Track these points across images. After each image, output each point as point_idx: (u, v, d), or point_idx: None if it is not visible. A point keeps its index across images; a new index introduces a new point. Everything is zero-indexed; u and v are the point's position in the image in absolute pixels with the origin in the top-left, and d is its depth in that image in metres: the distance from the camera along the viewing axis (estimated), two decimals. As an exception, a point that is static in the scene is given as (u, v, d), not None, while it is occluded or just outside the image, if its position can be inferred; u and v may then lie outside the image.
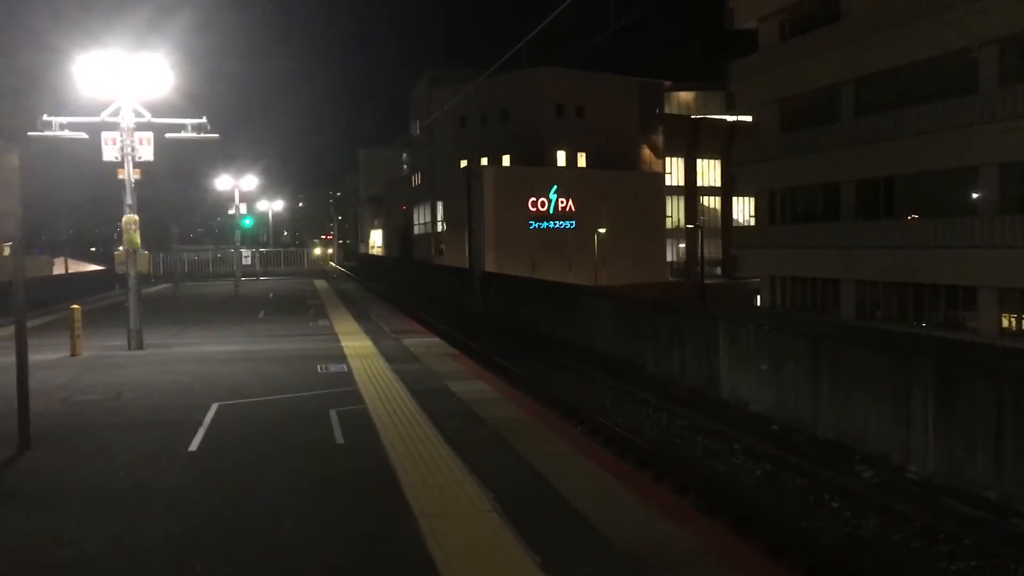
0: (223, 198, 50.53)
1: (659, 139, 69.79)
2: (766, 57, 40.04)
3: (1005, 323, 28.47)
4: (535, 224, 60.99)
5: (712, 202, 71.99)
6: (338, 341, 23.13)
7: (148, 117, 21.29)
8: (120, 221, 21.75)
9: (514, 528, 8.22)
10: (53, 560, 7.64)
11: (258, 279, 58.31)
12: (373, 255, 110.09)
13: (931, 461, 14.82)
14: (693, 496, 13.93)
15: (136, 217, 21.34)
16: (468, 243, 53.64)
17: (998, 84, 28.22)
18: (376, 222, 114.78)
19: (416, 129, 68.73)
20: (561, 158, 66.48)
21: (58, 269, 51.48)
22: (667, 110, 72.00)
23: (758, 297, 43.53)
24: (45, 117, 20.64)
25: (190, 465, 10.67)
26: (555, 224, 61.67)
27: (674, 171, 70.62)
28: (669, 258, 68.92)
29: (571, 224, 61.88)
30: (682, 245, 70.56)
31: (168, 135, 22.19)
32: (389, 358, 19.80)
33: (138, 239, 21.51)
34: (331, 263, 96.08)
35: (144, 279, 29.98)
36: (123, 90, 20.66)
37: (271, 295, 42.95)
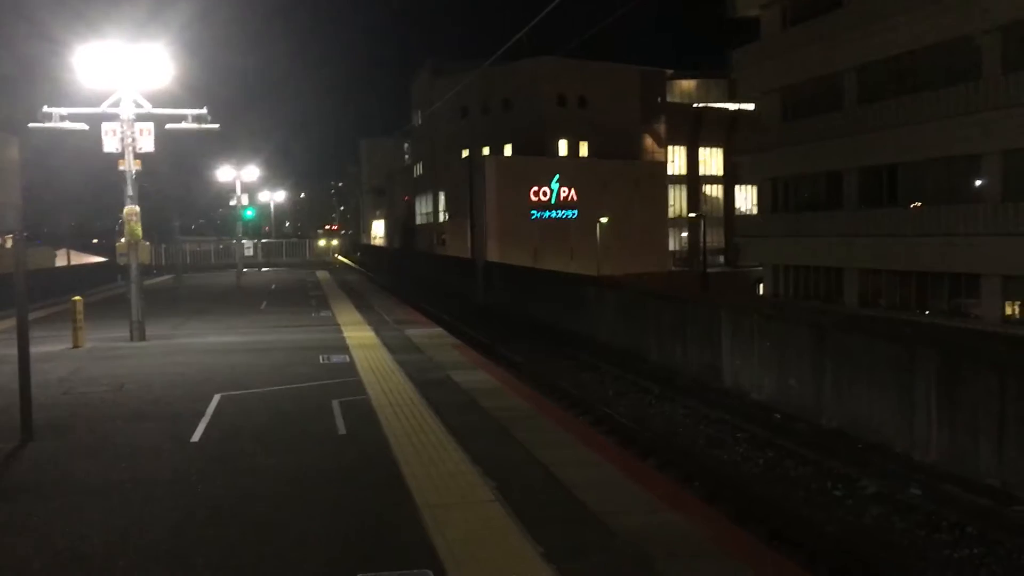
0: (225, 189, 50.57)
1: (661, 128, 69.60)
2: (768, 45, 39.88)
3: (1008, 311, 28.43)
4: (537, 214, 60.87)
5: (714, 191, 71.85)
6: (340, 331, 23.13)
7: (149, 108, 21.24)
8: (121, 212, 21.73)
9: (517, 518, 8.21)
10: (56, 551, 7.64)
11: (260, 270, 58.35)
12: (375, 245, 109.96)
13: (934, 449, 14.80)
14: (696, 485, 13.94)
15: (137, 208, 21.32)
16: (470, 233, 53.62)
17: (1001, 71, 28.10)
18: (378, 212, 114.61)
19: (418, 119, 68.66)
20: (563, 148, 66.33)
21: (60, 261, 51.47)
22: (669, 99, 71.78)
23: (761, 286, 43.52)
24: (45, 108, 20.62)
25: (192, 456, 10.66)
26: (557, 214, 61.55)
27: (676, 160, 70.46)
28: (671, 247, 68.80)
29: (573, 214, 61.76)
30: (684, 234, 70.46)
31: (169, 126, 22.12)
32: (391, 348, 19.80)
33: (139, 230, 21.49)
34: (337, 256, 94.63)
35: (146, 270, 30.01)
36: (123, 81, 20.61)
37: (273, 286, 42.95)
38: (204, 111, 21.91)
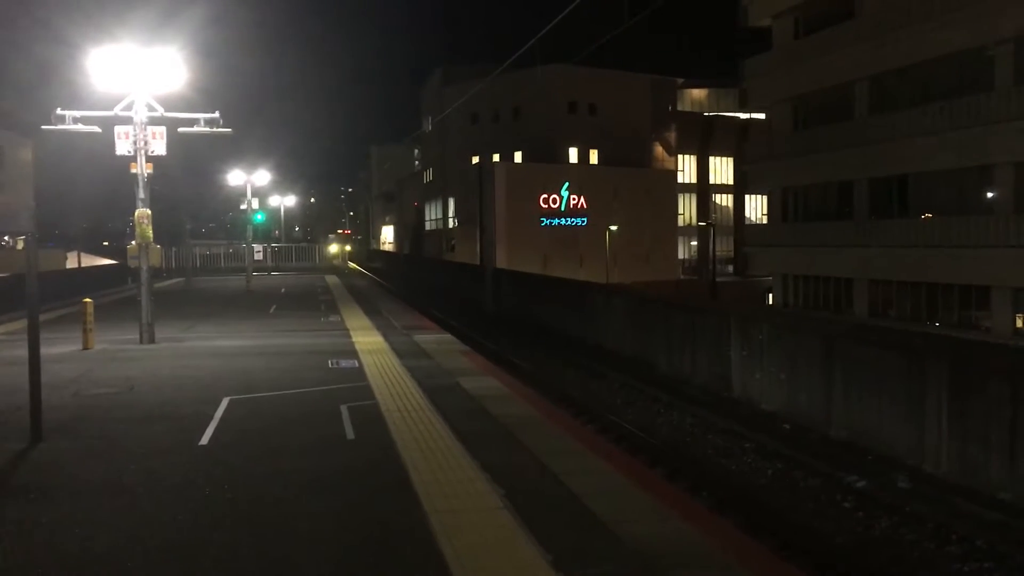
0: (235, 193, 50.78)
1: (672, 136, 69.56)
2: (780, 54, 39.85)
3: (1019, 323, 28.26)
4: (547, 221, 60.86)
5: (724, 200, 71.73)
6: (349, 336, 23.15)
7: (161, 111, 21.35)
8: (133, 215, 21.80)
9: (525, 525, 8.19)
10: (64, 552, 7.65)
11: (269, 274, 58.45)
12: (384, 251, 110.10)
13: (945, 461, 14.71)
14: (705, 494, 13.89)
15: (148, 211, 21.39)
16: (480, 240, 53.62)
17: (1013, 82, 27.99)
18: (387, 218, 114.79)
19: (428, 126, 68.73)
20: (573, 155, 66.32)
21: (71, 263, 51.74)
22: (680, 107, 71.75)
23: (770, 295, 43.37)
24: (59, 111, 20.74)
25: (201, 459, 10.67)
26: (567, 221, 61.53)
27: (686, 168, 70.39)
28: (681, 256, 68.70)
29: (583, 221, 61.73)
30: (694, 243, 70.35)
31: (181, 129, 22.23)
32: (400, 354, 19.80)
33: (150, 233, 21.56)
34: (349, 263, 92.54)
35: (156, 273, 30.10)
36: (136, 84, 20.72)
37: (283, 290, 43.04)
38: (216, 115, 22.01)
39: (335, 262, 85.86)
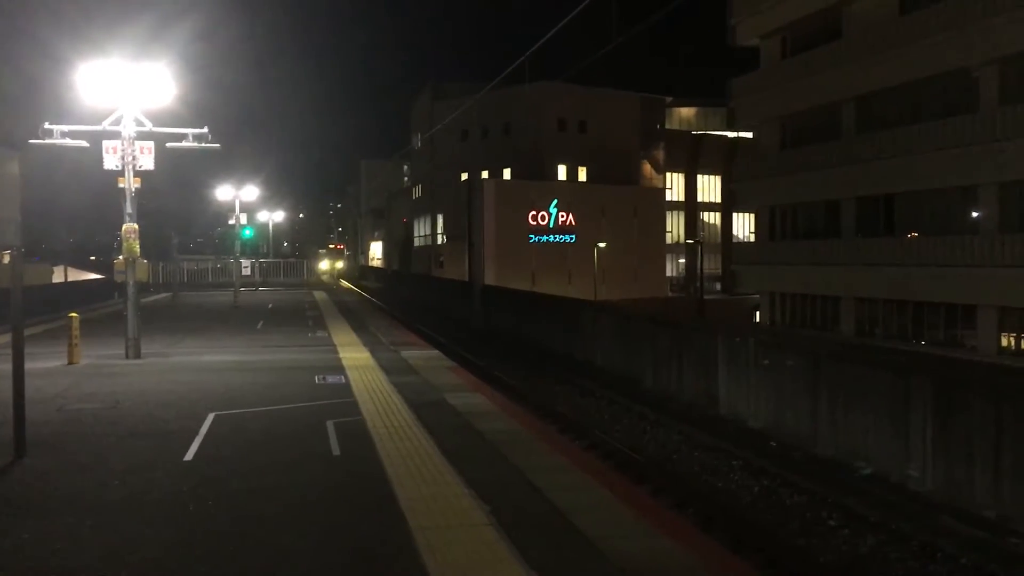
0: (224, 208, 50.57)
1: (660, 154, 69.94)
2: (767, 74, 40.18)
3: (1004, 342, 28.44)
4: (535, 238, 61.03)
5: (712, 218, 72.09)
6: (336, 352, 23.09)
7: (149, 126, 21.33)
8: (120, 230, 21.74)
9: (511, 542, 8.18)
10: (46, 570, 7.59)
11: (257, 290, 58.27)
12: (373, 267, 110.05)
13: (930, 479, 14.76)
14: (691, 512, 13.88)
15: (136, 226, 21.34)
16: (468, 256, 53.64)
17: (998, 103, 28.30)
18: (376, 234, 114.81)
19: (418, 142, 68.95)
20: (562, 172, 66.59)
21: (57, 277, 51.43)
22: (668, 126, 72.21)
23: (757, 313, 43.52)
24: (46, 125, 20.70)
25: (185, 475, 10.61)
26: (555, 238, 61.71)
27: (675, 186, 70.76)
28: (669, 273, 68.93)
29: (571, 238, 61.92)
30: (682, 260, 70.63)
31: (169, 144, 22.21)
32: (387, 370, 19.77)
33: (137, 248, 21.50)
34: (341, 281, 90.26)
35: (143, 288, 29.97)
36: (125, 99, 20.70)
37: (270, 305, 42.91)
38: (205, 130, 22.00)
39: (325, 279, 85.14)
